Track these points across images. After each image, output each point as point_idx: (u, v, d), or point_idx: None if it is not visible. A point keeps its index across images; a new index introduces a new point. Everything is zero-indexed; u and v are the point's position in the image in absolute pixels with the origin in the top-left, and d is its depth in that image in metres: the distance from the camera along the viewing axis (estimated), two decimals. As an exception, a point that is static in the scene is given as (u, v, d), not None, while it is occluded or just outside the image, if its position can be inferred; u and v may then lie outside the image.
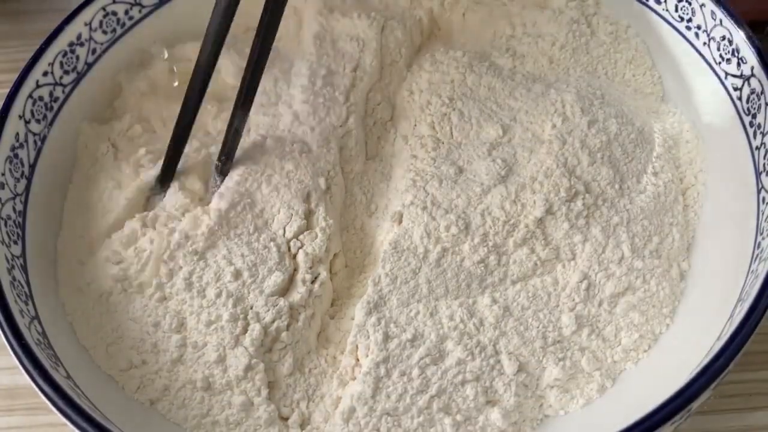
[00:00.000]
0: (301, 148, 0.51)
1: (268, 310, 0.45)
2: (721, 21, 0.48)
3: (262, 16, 0.44)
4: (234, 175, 0.49)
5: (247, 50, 0.46)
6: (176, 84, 0.55)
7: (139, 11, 0.53)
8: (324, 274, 0.47)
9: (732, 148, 0.47)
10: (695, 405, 0.36)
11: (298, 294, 0.46)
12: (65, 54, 0.49)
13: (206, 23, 0.56)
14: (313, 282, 0.46)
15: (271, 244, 0.47)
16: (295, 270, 0.46)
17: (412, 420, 0.42)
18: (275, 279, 0.45)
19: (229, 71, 0.54)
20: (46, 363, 0.38)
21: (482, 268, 0.45)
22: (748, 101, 0.46)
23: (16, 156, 0.46)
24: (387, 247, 0.46)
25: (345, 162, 0.52)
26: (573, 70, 0.55)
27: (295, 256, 0.47)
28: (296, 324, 0.45)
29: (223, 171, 0.50)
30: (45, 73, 0.48)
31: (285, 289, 0.46)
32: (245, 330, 0.44)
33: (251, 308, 0.45)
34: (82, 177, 0.51)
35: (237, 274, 0.45)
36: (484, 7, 0.58)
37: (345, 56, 0.54)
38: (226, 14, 0.45)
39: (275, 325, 0.44)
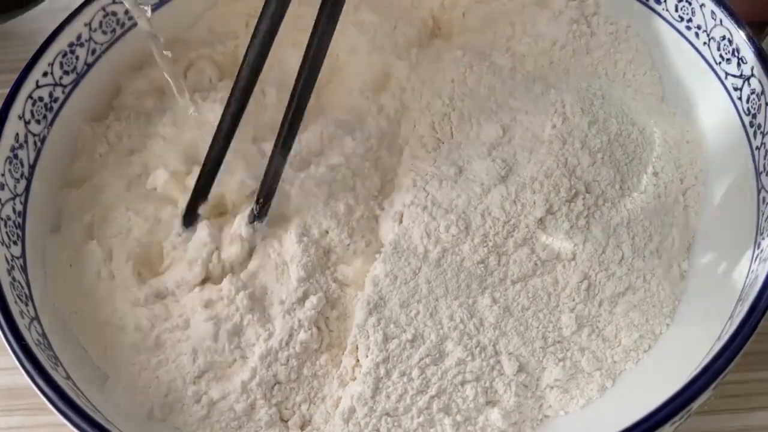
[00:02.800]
0: None
1: (285, 320, 0.44)
2: (721, 21, 0.48)
3: (309, 40, 0.41)
4: None
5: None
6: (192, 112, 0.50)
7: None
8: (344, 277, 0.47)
9: (732, 148, 0.47)
10: (695, 405, 0.36)
11: (316, 301, 0.45)
12: (65, 54, 0.49)
13: (206, 23, 0.57)
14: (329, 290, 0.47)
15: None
16: (309, 276, 0.46)
17: (412, 420, 0.42)
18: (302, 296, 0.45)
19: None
20: (46, 363, 0.38)
21: (482, 269, 0.45)
22: (748, 101, 0.46)
23: (16, 156, 0.46)
24: (387, 247, 0.46)
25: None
26: (573, 71, 0.54)
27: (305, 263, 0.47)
28: (308, 331, 0.45)
29: (260, 215, 0.46)
30: (45, 74, 0.48)
31: (302, 299, 0.45)
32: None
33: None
34: (81, 177, 0.51)
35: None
36: (484, 7, 0.58)
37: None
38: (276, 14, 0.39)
39: (288, 333, 0.44)
